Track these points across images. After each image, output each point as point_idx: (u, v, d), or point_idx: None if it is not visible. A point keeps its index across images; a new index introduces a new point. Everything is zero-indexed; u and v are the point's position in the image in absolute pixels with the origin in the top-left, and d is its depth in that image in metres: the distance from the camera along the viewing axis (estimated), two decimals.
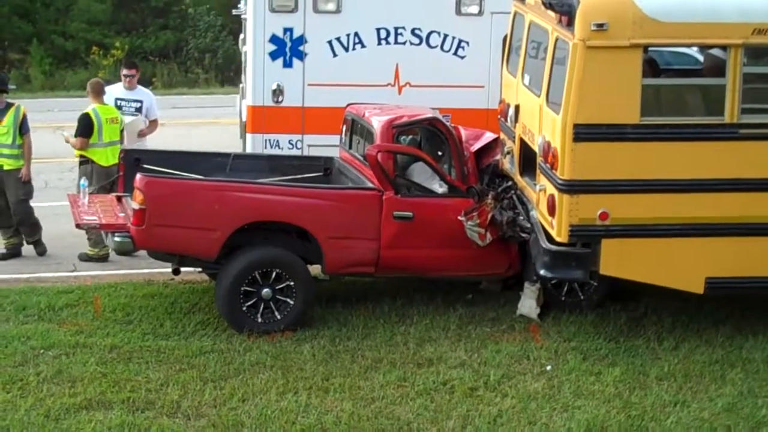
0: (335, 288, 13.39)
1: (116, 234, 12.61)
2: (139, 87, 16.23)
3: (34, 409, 10.41)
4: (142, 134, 15.69)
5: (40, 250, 15.12)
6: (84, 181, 13.96)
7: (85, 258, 14.90)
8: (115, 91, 15.95)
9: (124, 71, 16.20)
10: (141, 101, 15.94)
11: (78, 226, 12.84)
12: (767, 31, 11.29)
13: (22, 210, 14.96)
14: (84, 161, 14.89)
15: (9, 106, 14.98)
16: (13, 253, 15.10)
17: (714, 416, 10.60)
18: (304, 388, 10.97)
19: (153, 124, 16.18)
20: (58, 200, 14.98)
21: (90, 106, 14.99)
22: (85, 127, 14.81)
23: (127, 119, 15.54)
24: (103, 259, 14.82)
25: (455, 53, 15.78)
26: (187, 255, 12.51)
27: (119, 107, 15.62)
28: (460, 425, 10.36)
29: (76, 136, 14.85)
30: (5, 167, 14.90)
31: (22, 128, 14.94)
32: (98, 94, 15.12)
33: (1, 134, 14.84)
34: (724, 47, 11.56)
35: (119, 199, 13.52)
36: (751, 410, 10.72)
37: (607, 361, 11.73)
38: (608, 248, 11.49)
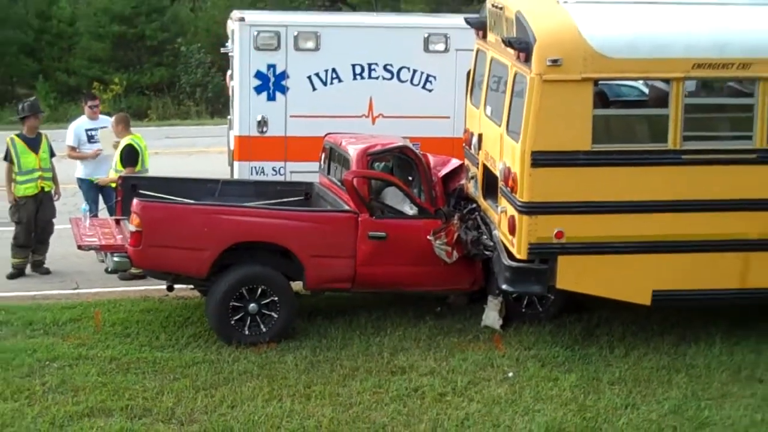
0: (316, 302, 13.34)
1: (115, 254, 12.56)
2: (101, 116, 16.06)
3: (40, 416, 10.38)
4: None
5: (44, 270, 15.02)
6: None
7: (129, 276, 14.39)
8: (82, 124, 15.85)
9: (90, 102, 16.02)
10: (107, 127, 15.63)
11: (80, 247, 12.81)
12: (706, 65, 11.34)
13: (52, 228, 15.01)
14: None
15: (39, 134, 14.98)
16: (21, 271, 14.97)
17: (661, 417, 10.63)
18: (288, 395, 10.94)
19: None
20: (62, 224, 14.92)
21: (125, 137, 14.87)
22: (134, 156, 14.71)
23: (101, 132, 15.48)
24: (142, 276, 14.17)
25: (423, 87, 15.84)
26: (180, 273, 12.46)
27: (91, 137, 15.59)
28: (431, 428, 10.36)
29: (125, 166, 14.65)
30: (46, 189, 14.92)
31: (52, 153, 15.02)
32: (128, 125, 15.07)
33: (43, 159, 14.87)
34: (666, 80, 11.62)
35: (117, 222, 13.50)
36: (695, 412, 10.76)
37: (564, 368, 11.73)
38: (564, 264, 11.49)
